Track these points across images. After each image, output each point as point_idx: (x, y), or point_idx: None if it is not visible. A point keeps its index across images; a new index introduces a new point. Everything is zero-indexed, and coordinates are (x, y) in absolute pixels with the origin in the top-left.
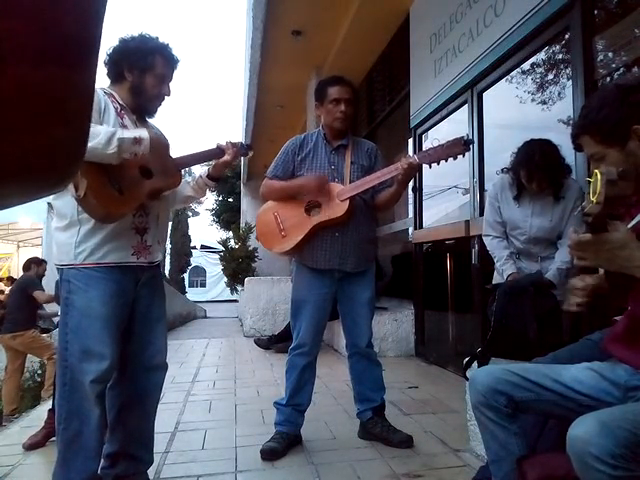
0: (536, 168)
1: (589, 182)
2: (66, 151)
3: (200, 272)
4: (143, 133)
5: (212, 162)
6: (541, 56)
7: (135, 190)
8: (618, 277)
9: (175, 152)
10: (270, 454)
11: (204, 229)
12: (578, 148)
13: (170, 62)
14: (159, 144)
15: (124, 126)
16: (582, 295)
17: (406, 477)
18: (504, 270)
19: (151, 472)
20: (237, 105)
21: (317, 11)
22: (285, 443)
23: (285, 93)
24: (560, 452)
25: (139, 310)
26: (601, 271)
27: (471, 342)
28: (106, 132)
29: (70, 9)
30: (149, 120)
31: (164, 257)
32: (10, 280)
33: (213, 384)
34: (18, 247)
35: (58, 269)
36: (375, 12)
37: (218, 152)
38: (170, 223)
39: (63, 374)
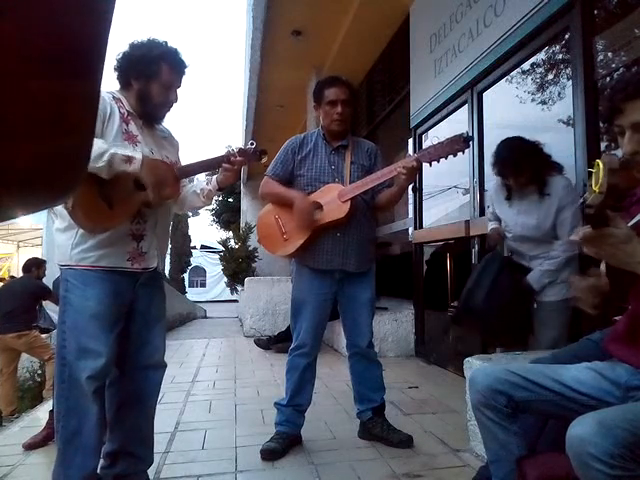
0: (503, 163)
1: (590, 173)
2: (69, 162)
3: (200, 272)
4: (137, 154)
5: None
6: (541, 56)
7: (126, 203)
8: (619, 275)
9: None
10: (270, 454)
11: (204, 229)
12: (610, 118)
13: (177, 69)
14: (154, 162)
15: (127, 132)
16: (592, 295)
17: (406, 477)
18: (491, 228)
19: (151, 472)
20: (237, 105)
21: (317, 11)
22: (285, 443)
23: (285, 93)
24: (560, 452)
25: (138, 310)
26: (602, 266)
27: (471, 342)
28: (99, 147)
29: (76, 18)
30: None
31: (163, 260)
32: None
33: (213, 384)
34: (18, 247)
35: (60, 269)
36: (375, 12)
37: (226, 160)
38: (170, 223)
39: (61, 372)
